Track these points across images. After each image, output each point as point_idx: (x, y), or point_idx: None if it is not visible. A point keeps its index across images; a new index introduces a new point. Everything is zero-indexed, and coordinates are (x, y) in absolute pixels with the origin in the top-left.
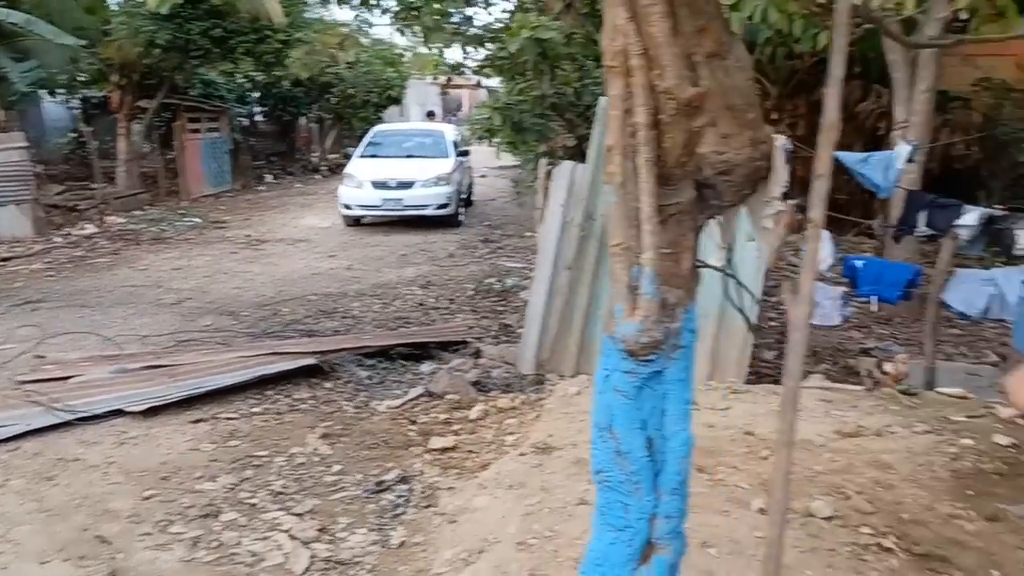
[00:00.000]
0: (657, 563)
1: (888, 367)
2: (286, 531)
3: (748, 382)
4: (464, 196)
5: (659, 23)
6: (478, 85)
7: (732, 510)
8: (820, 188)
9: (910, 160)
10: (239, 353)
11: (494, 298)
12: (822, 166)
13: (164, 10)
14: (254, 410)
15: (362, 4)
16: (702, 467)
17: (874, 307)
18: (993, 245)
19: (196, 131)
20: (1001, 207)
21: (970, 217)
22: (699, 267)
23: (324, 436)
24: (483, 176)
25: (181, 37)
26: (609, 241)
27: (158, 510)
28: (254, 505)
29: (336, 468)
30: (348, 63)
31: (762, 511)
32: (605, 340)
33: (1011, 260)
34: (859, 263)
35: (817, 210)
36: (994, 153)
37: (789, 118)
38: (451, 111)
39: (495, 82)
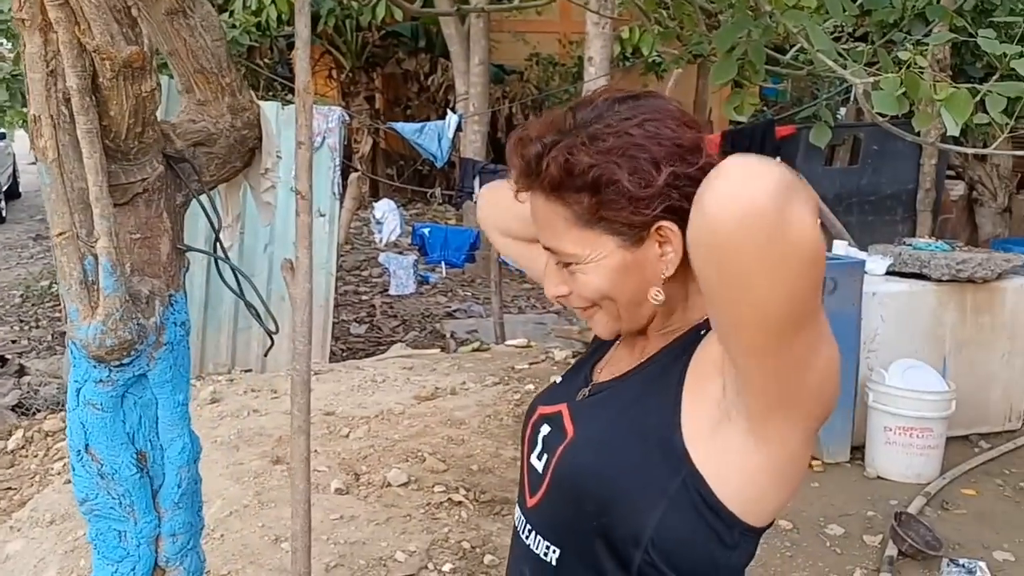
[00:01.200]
0: None
1: None
2: None
3: (340, 358)
4: (5, 187)
5: None
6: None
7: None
8: (304, 157)
9: (459, 129)
10: None
11: (49, 304)
12: (303, 133)
13: None
14: None
15: None
16: (279, 458)
17: (443, 272)
18: None
19: None
20: None
21: None
22: (184, 251)
23: None
24: (34, 163)
25: None
26: (52, 231)
27: None
28: None
29: None
30: None
31: (339, 491)
32: (70, 347)
33: None
34: (426, 231)
35: (303, 182)
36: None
37: (366, 91)
38: None
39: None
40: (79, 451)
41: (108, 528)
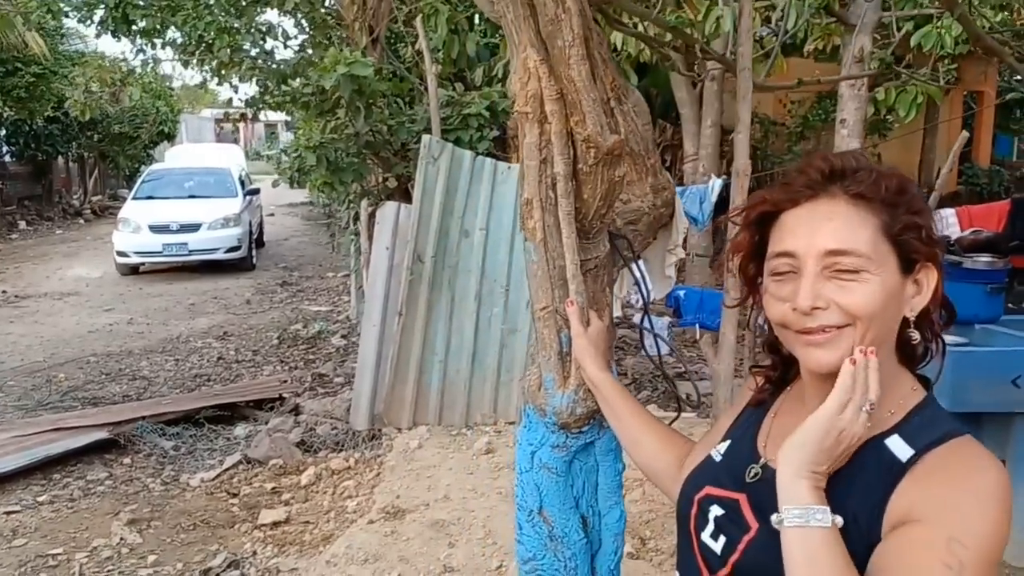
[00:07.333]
0: None
1: None
2: None
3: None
4: (255, 236)
5: (578, 66)
6: (254, 118)
7: None
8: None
9: (722, 193)
10: (11, 433)
11: (303, 346)
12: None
13: None
14: (40, 499)
15: (143, 37)
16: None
17: (698, 335)
18: None
19: None
20: None
21: None
22: (618, 325)
23: (131, 522)
24: (271, 215)
25: None
26: (534, 304)
27: None
28: None
29: (151, 559)
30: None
31: (630, 555)
32: (528, 412)
33: None
34: (681, 293)
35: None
36: (766, 181)
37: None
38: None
39: (282, 116)
40: (531, 511)
41: None
